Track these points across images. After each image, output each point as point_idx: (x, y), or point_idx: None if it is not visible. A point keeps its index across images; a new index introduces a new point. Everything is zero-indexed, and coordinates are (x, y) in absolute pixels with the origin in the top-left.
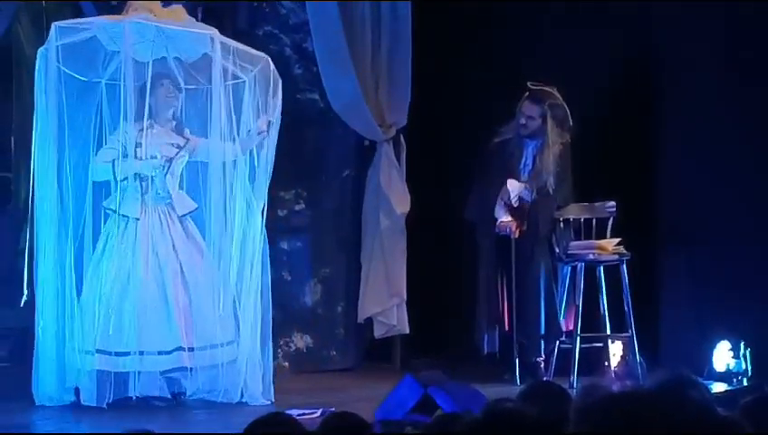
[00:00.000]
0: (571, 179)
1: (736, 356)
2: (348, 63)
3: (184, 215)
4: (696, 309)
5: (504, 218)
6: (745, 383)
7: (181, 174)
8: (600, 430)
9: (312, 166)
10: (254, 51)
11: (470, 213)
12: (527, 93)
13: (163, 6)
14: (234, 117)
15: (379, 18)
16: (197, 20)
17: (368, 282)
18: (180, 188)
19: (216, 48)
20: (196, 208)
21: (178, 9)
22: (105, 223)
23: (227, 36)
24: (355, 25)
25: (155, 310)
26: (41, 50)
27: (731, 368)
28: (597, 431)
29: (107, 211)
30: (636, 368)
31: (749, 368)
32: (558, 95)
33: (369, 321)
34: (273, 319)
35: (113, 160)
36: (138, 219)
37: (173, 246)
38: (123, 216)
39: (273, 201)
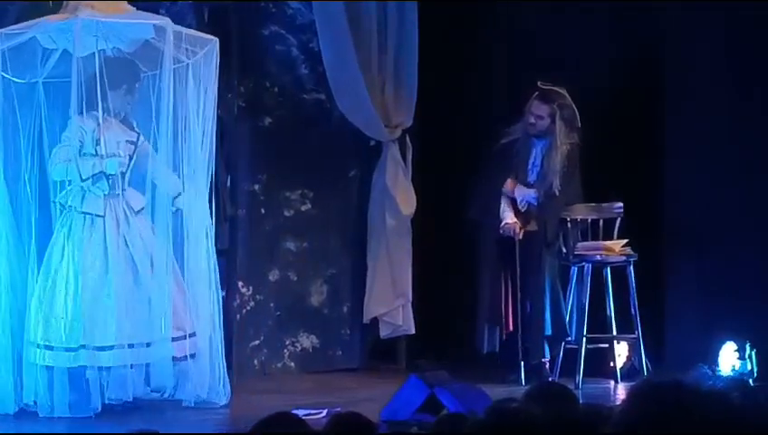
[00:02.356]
0: (579, 180)
1: (742, 357)
2: (354, 64)
3: (139, 211)
4: (701, 310)
5: (509, 220)
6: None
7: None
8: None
9: (317, 166)
10: (202, 34)
11: (474, 212)
12: (536, 93)
13: None
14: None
15: (386, 19)
16: (204, 20)
17: (373, 282)
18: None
19: (169, 41)
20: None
21: (120, 2)
22: (59, 220)
23: (233, 37)
24: (362, 26)
25: (135, 303)
26: None
27: (737, 369)
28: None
29: (64, 207)
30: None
31: (755, 369)
32: (567, 96)
33: (375, 321)
34: (278, 319)
35: (75, 159)
36: (102, 216)
37: (141, 239)
38: (86, 213)
39: (280, 201)
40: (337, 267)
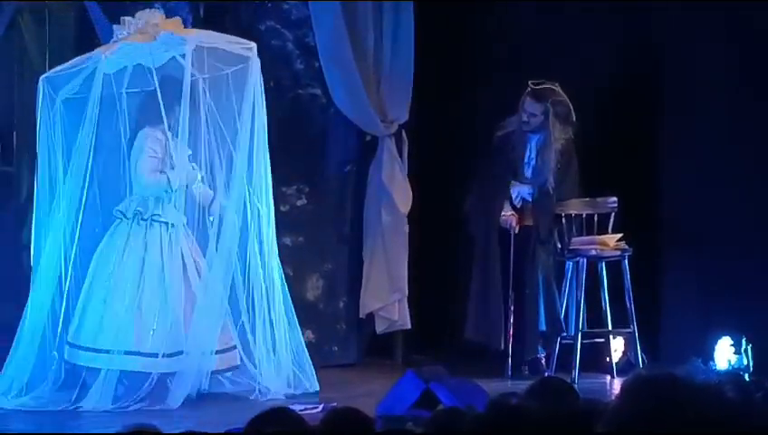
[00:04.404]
0: (576, 175)
1: (738, 352)
2: (350, 59)
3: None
4: (697, 305)
5: (505, 211)
6: (747, 379)
7: None
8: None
9: (313, 161)
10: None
11: (470, 206)
12: (529, 90)
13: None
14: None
15: (382, 13)
16: (200, 15)
17: (369, 277)
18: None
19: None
20: None
21: (177, 20)
22: (129, 228)
23: (229, 32)
24: (357, 21)
25: (208, 311)
26: (42, 79)
27: (732, 364)
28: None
29: (148, 218)
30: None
31: (750, 364)
32: (560, 91)
33: (371, 316)
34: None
35: (166, 172)
36: (174, 225)
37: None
38: (164, 222)
39: (276, 197)
40: (333, 262)
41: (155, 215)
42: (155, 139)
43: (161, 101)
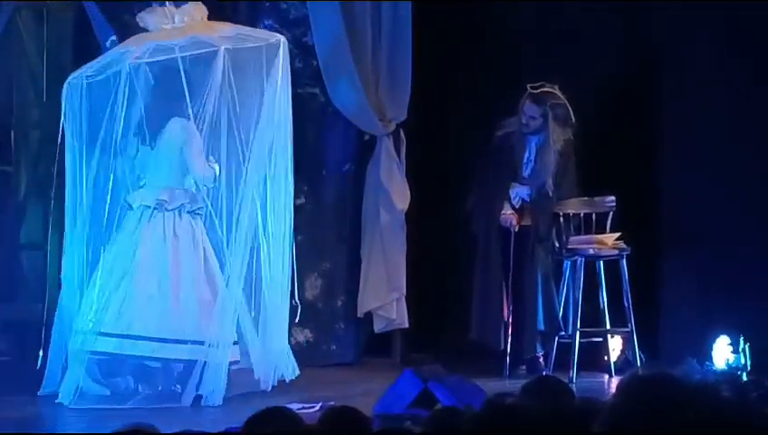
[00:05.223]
0: (574, 175)
1: (736, 351)
2: (348, 58)
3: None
4: (695, 304)
5: (505, 210)
6: (745, 378)
7: None
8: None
9: (312, 160)
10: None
11: (472, 206)
12: (528, 93)
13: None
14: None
15: (380, 13)
16: None
17: (367, 276)
18: None
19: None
20: None
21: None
22: (160, 218)
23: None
24: (356, 20)
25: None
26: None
27: (730, 363)
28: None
29: (192, 211)
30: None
31: (748, 363)
32: (559, 93)
33: (369, 315)
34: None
35: (212, 166)
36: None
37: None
38: (199, 214)
39: None
40: (331, 261)
41: (199, 208)
42: (196, 131)
43: (187, 94)
